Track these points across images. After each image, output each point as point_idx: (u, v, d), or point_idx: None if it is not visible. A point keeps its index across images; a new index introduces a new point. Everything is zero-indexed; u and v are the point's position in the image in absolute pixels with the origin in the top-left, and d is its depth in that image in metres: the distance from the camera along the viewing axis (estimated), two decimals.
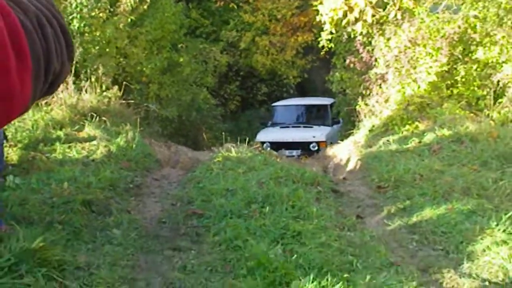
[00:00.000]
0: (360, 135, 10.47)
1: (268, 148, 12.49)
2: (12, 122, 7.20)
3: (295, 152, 12.87)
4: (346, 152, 9.76)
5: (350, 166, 8.63)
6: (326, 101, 15.05)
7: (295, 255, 4.18)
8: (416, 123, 9.26)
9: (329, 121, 13.98)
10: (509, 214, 4.90)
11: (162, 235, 4.82)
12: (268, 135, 13.92)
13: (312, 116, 14.90)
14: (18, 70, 0.72)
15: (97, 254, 4.21)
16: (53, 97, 8.31)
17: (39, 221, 4.50)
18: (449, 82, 10.35)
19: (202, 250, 4.48)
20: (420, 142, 8.31)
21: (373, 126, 10.27)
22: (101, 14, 9.63)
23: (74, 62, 8.60)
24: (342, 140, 11.78)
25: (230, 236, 4.59)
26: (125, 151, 7.24)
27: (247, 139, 9.02)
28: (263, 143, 13.11)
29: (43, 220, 4.53)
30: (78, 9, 9.25)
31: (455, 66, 10.35)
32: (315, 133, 13.15)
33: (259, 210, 5.19)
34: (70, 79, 8.55)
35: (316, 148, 12.74)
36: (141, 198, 5.96)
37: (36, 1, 0.82)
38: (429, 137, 8.32)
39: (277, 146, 12.98)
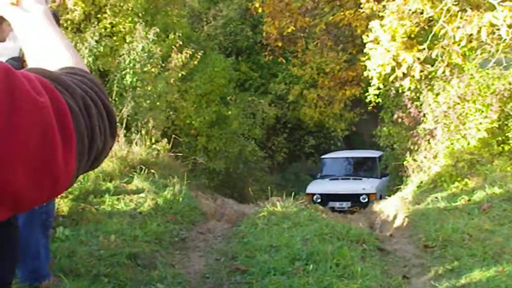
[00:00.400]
0: (407, 191, 10.34)
1: (319, 200, 13.13)
2: None
3: (345, 204, 13.04)
4: (393, 208, 9.63)
5: (397, 223, 8.49)
6: (374, 153, 15.22)
7: None
8: (466, 180, 9.09)
9: (378, 173, 14.14)
10: None
11: None
12: (318, 187, 14.12)
13: (361, 168, 15.10)
14: (63, 151, 0.78)
15: None
16: None
17: (85, 274, 4.58)
18: (500, 138, 10.17)
19: None
20: (469, 200, 8.13)
21: (421, 182, 10.14)
22: (153, 70, 9.94)
23: (125, 116, 8.88)
24: (389, 195, 11.66)
25: None
26: (172, 204, 7.33)
27: (293, 193, 9.00)
28: (313, 195, 13.55)
29: (89, 272, 4.61)
30: (131, 64, 9.59)
31: (506, 122, 10.18)
32: (365, 185, 13.30)
33: (302, 267, 5.14)
34: (121, 132, 8.79)
35: (366, 200, 12.83)
36: (186, 252, 5.99)
37: (83, 84, 0.88)
38: (479, 195, 8.14)
39: (327, 198, 13.32)
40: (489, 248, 5.91)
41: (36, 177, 0.75)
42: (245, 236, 6.45)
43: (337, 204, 13.04)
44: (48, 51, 1.00)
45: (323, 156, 16.83)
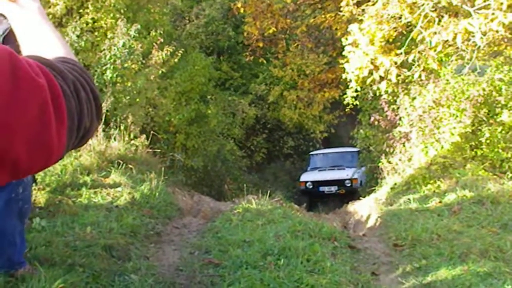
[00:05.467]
0: (381, 192, 10.50)
1: (311, 186, 16.50)
2: None
3: (333, 188, 16.13)
4: (367, 209, 9.79)
5: (370, 223, 8.65)
6: (354, 149, 16.93)
7: None
8: (438, 182, 9.25)
9: (357, 164, 15.71)
10: None
11: (178, 282, 4.91)
12: (309, 176, 17.16)
13: (343, 160, 17.65)
14: (57, 126, 0.91)
15: None
16: None
17: (61, 263, 4.64)
18: (473, 143, 10.36)
19: None
20: (440, 202, 8.31)
21: (395, 184, 10.30)
22: (133, 66, 9.99)
23: (105, 111, 8.92)
24: (364, 196, 11.84)
25: (244, 287, 4.66)
26: (148, 198, 7.40)
27: (269, 191, 9.13)
28: (306, 182, 16.73)
29: (65, 262, 4.67)
30: (112, 60, 9.64)
31: (479, 127, 10.38)
32: (348, 173, 15.72)
33: (274, 262, 5.26)
34: (100, 127, 8.84)
35: (350, 184, 15.69)
36: (161, 245, 6.08)
37: (73, 71, 1.03)
38: (450, 198, 8.31)
39: (317, 184, 16.43)
40: (456, 248, 6.05)
41: (34, 146, 0.88)
42: (219, 231, 6.55)
43: (326, 189, 16.16)
44: (43, 42, 1.14)
45: (311, 153, 19.54)
